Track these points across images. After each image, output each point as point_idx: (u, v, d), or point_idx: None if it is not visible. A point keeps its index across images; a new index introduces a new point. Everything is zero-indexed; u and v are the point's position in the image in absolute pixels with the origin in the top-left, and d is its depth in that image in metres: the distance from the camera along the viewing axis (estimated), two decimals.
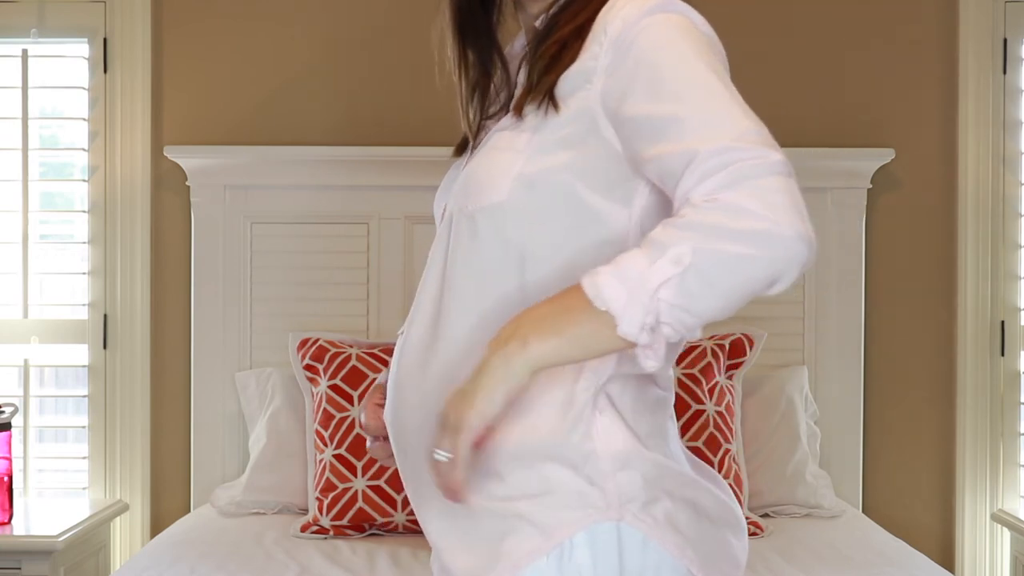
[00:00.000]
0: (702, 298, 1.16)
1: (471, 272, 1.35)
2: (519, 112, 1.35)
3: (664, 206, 1.30)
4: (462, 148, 1.51)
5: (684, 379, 2.93)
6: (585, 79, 1.30)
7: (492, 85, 1.47)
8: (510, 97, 1.42)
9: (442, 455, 1.21)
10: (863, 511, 3.25)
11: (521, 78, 1.40)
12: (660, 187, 1.26)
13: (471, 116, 1.47)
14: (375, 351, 2.99)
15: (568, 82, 1.31)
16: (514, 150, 1.33)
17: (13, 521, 2.96)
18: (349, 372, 2.95)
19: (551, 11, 1.40)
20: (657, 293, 1.15)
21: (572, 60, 1.32)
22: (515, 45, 1.50)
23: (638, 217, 1.31)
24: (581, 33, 1.33)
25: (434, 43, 1.49)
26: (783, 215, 1.14)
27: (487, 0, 1.49)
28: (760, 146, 1.17)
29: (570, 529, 1.28)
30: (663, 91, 1.23)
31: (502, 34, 1.50)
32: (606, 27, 1.30)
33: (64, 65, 3.36)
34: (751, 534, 2.81)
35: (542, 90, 1.33)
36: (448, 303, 1.36)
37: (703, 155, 1.18)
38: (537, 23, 1.43)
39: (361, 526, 2.82)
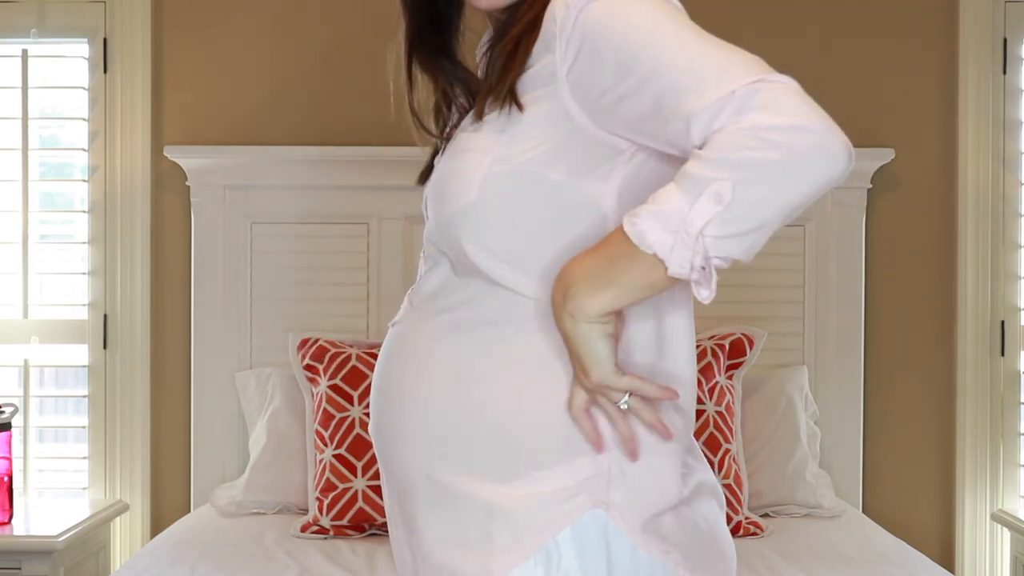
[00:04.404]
0: (750, 223, 1.16)
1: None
2: (480, 115, 1.33)
3: (645, 178, 1.29)
4: (425, 176, 1.47)
5: None
6: (547, 74, 1.28)
7: (453, 101, 1.44)
8: (472, 103, 1.39)
9: (625, 402, 1.25)
10: (863, 511, 3.24)
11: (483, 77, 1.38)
12: (676, 154, 1.23)
13: (434, 133, 1.45)
14: (375, 351, 2.99)
15: (528, 79, 1.29)
16: (480, 150, 1.31)
17: (13, 521, 2.96)
18: (349, 372, 2.95)
19: (509, 2, 1.37)
20: (702, 233, 1.15)
21: (527, 55, 1.29)
22: (483, 40, 1.47)
23: (616, 193, 1.30)
24: (534, 25, 1.30)
25: (390, 74, 1.48)
26: (805, 116, 1.15)
27: (439, 20, 1.47)
28: (755, 74, 1.17)
29: (557, 527, 1.28)
30: (637, 71, 1.20)
31: (463, 45, 1.48)
32: (554, 15, 1.27)
33: (64, 65, 3.36)
34: (751, 534, 2.81)
35: (502, 91, 1.30)
36: None
37: (702, 109, 1.17)
38: (500, 14, 1.40)
39: (361, 526, 2.82)
